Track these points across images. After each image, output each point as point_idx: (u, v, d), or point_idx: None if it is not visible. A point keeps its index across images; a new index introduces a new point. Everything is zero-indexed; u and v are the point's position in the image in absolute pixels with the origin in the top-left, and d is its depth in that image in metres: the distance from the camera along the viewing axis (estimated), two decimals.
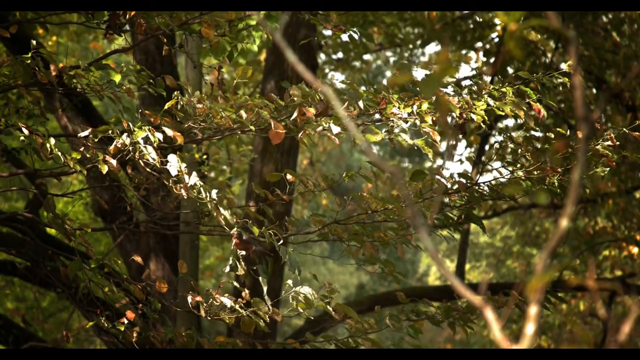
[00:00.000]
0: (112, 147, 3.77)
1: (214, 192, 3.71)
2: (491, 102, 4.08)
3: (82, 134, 3.87)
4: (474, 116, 4.01)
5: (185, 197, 3.76)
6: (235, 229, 3.83)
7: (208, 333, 4.38)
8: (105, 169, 3.75)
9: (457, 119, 4.02)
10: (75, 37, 10.22)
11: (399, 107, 3.98)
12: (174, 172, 3.69)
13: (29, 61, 3.94)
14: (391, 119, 3.98)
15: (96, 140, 3.88)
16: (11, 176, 4.61)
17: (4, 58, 4.12)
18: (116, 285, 4.58)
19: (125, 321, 4.13)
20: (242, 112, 3.93)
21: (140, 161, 3.77)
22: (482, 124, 4.03)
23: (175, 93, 3.98)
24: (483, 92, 4.11)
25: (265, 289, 3.88)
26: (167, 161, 3.71)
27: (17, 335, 6.38)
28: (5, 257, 7.30)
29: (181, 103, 3.98)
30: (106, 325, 4.18)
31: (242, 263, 3.83)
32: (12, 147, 5.61)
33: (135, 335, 4.17)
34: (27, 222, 4.82)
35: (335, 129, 3.88)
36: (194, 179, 3.69)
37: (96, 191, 6.80)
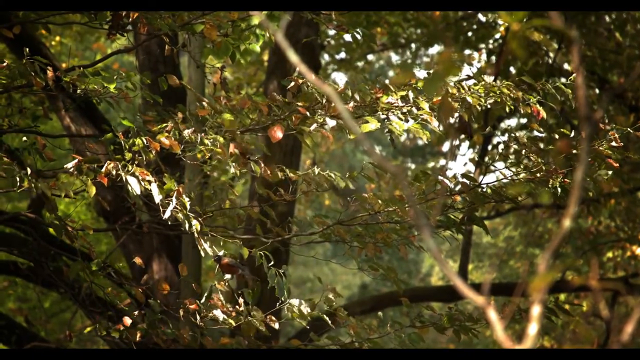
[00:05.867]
0: (101, 174, 3.82)
1: (194, 222, 3.73)
2: (489, 84, 4.06)
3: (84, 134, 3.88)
4: (470, 99, 4.00)
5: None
6: (221, 253, 3.90)
7: (211, 333, 4.39)
8: (93, 191, 3.80)
9: (463, 115, 4.00)
10: (79, 38, 10.22)
11: (394, 97, 3.97)
12: (157, 200, 3.75)
13: (21, 66, 3.94)
14: (387, 109, 3.97)
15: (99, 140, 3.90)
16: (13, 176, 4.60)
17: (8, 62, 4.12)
18: (118, 286, 4.58)
19: (122, 328, 4.15)
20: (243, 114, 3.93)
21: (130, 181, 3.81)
22: (478, 106, 4.01)
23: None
24: (482, 83, 4.11)
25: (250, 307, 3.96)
26: (157, 180, 3.76)
27: (19, 335, 6.38)
28: (8, 257, 7.30)
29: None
30: (104, 332, 4.21)
31: (227, 285, 3.92)
32: (14, 147, 5.61)
33: (138, 335, 4.17)
34: (29, 222, 4.81)
35: (331, 123, 3.87)
36: (168, 213, 3.73)
37: (98, 191, 6.79)
